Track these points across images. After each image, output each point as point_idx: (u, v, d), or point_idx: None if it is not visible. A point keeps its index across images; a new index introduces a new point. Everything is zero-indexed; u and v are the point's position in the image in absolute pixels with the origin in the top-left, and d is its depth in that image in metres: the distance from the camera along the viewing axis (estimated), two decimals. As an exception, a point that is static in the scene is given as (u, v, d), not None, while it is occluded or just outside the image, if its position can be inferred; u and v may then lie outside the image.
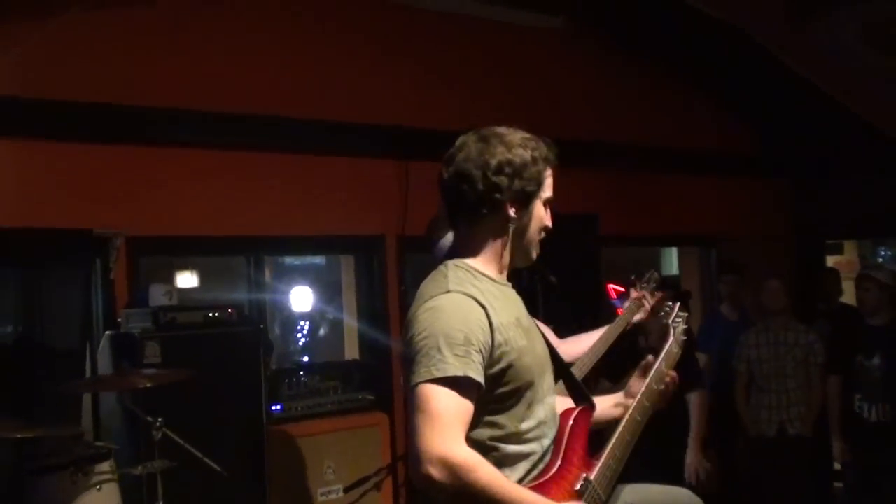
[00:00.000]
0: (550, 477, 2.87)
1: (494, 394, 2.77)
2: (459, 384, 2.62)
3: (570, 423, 3.01)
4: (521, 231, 2.95)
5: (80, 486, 4.83)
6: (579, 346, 5.12)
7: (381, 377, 7.50)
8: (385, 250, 7.70)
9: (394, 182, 7.65)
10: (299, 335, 9.03)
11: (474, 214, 2.91)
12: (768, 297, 7.61)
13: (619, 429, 3.17)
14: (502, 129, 2.99)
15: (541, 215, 2.97)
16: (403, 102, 7.65)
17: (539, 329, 3.11)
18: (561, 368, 3.22)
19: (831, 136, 9.67)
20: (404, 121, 7.60)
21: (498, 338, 2.75)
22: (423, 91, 7.78)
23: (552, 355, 3.12)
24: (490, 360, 2.73)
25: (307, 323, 9.01)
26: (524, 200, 2.90)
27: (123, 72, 6.44)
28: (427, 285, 2.87)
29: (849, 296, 8.75)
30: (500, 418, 2.81)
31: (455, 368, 2.62)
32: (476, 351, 2.67)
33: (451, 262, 2.91)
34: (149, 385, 5.05)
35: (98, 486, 4.89)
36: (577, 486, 2.88)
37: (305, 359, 8.08)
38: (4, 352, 6.07)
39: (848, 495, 7.55)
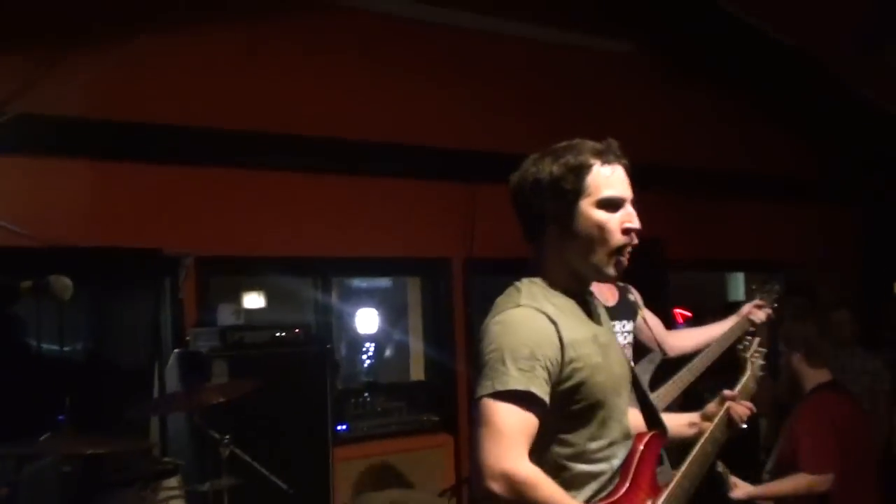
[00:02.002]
0: (617, 499, 2.85)
1: (565, 411, 2.73)
2: (522, 399, 2.59)
3: (642, 447, 2.97)
4: (578, 243, 2.83)
5: (148, 502, 4.88)
6: (686, 341, 5.08)
7: (446, 399, 7.52)
8: (451, 273, 7.71)
9: (461, 205, 7.66)
10: (364, 356, 9.04)
11: (529, 233, 2.92)
12: (837, 328, 7.50)
13: (689, 459, 3.12)
14: (555, 146, 2.93)
15: (595, 221, 2.81)
16: (472, 126, 7.67)
17: (620, 347, 3.07)
18: (638, 390, 3.19)
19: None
20: (472, 144, 7.62)
21: (569, 354, 2.71)
22: (492, 115, 7.79)
23: (633, 376, 3.10)
24: (559, 376, 2.70)
25: (372, 344, 9.02)
26: (564, 214, 2.82)
27: (196, 94, 6.53)
28: (501, 299, 2.84)
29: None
30: (570, 436, 2.77)
31: (518, 382, 2.59)
32: (542, 367, 2.64)
33: (525, 279, 2.88)
34: (217, 401, 5.08)
35: (166, 502, 4.93)
36: None
37: (370, 380, 8.08)
38: (75, 368, 6.14)
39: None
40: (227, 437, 5.10)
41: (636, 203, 2.87)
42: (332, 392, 6.35)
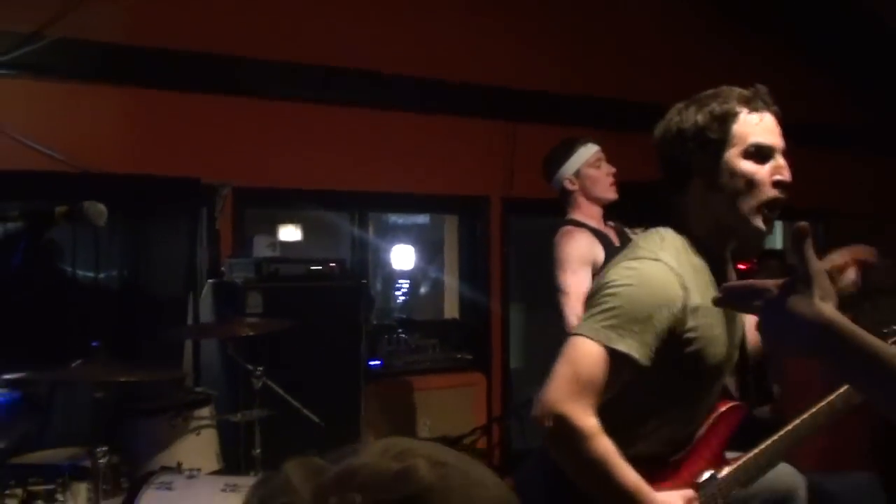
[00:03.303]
0: (670, 464, 2.80)
1: (667, 375, 2.66)
2: (618, 358, 2.53)
3: (714, 416, 2.91)
4: (724, 196, 2.71)
5: (179, 430, 4.89)
6: None
7: (480, 338, 7.51)
8: (489, 211, 7.66)
9: (501, 143, 7.59)
10: (399, 293, 9.03)
11: (673, 185, 2.81)
12: (879, 275, 7.38)
13: (773, 438, 2.99)
14: (700, 94, 2.80)
15: (742, 172, 2.67)
16: (513, 64, 7.58)
17: (742, 319, 2.96)
18: (742, 357, 3.10)
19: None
20: (513, 82, 7.53)
21: (690, 322, 2.63)
22: (534, 53, 7.69)
23: (742, 348, 3.00)
24: (675, 340, 2.62)
25: (407, 281, 9.01)
26: (709, 165, 2.70)
27: (238, 24, 6.47)
28: (643, 242, 2.76)
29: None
30: (656, 407, 2.75)
31: (623, 343, 2.53)
32: (654, 332, 2.56)
33: (671, 229, 2.78)
34: (251, 333, 5.07)
35: (197, 431, 4.94)
36: (700, 479, 2.79)
37: (404, 316, 8.07)
38: (112, 295, 6.15)
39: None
40: (260, 368, 5.08)
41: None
42: (366, 327, 6.35)
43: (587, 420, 2.51)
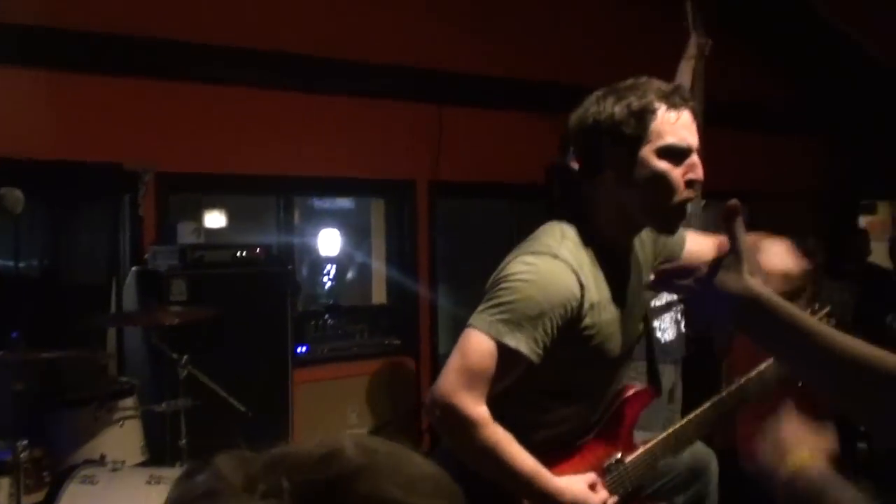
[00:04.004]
0: (575, 448, 2.81)
1: (560, 369, 2.67)
2: (508, 352, 2.53)
3: (620, 400, 2.92)
4: (635, 192, 2.66)
5: (103, 422, 4.82)
6: None
7: (408, 322, 7.49)
8: (416, 195, 7.62)
9: (427, 126, 7.54)
10: (325, 278, 8.98)
11: (584, 173, 2.76)
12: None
13: (683, 421, 3.01)
14: (619, 84, 2.72)
15: (656, 170, 2.62)
16: (439, 46, 7.53)
17: (643, 303, 2.96)
18: (648, 344, 3.11)
19: (869, 93, 9.48)
20: (439, 64, 7.48)
21: (587, 319, 2.64)
22: (459, 34, 7.65)
23: (648, 334, 3.02)
24: (569, 336, 2.62)
25: (334, 266, 8.97)
26: (623, 160, 2.65)
27: (158, 5, 6.36)
28: (544, 233, 2.74)
29: (877, 257, 8.63)
30: (548, 400, 2.78)
31: (513, 339, 2.53)
32: (546, 328, 2.56)
33: (568, 224, 2.74)
34: (175, 322, 5.00)
35: (121, 423, 4.88)
36: (606, 464, 2.80)
37: (332, 302, 8.04)
38: (32, 285, 6.03)
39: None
40: (185, 357, 5.02)
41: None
42: (292, 313, 6.29)
43: (476, 409, 2.53)
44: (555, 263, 2.61)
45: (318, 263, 9.04)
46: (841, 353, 1.60)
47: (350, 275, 8.95)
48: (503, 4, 7.94)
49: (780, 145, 9.95)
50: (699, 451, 3.28)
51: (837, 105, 9.90)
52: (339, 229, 8.83)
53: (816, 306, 3.20)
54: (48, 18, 5.94)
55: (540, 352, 2.56)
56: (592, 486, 2.71)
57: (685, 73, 4.97)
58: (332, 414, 6.59)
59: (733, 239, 1.79)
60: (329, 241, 8.66)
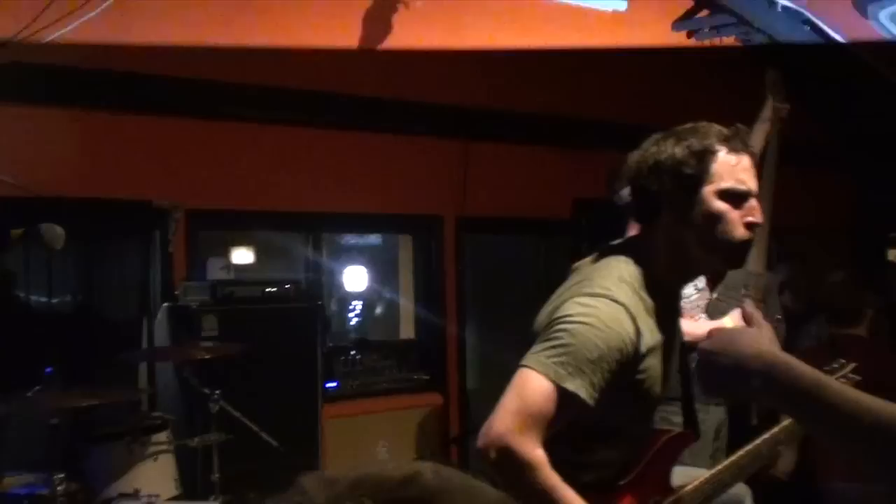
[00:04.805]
0: (616, 488, 2.80)
1: (612, 410, 2.65)
2: (566, 396, 2.52)
3: (659, 444, 2.91)
4: (695, 233, 2.70)
5: (137, 456, 4.85)
6: None
7: (436, 358, 7.51)
8: (443, 231, 7.66)
9: (454, 162, 7.59)
10: (352, 315, 9.00)
11: (643, 216, 2.81)
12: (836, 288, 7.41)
13: (718, 468, 3.00)
14: (678, 128, 2.77)
15: (716, 211, 2.66)
16: (465, 82, 7.57)
17: (680, 347, 2.99)
18: (686, 389, 3.11)
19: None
20: (466, 100, 7.53)
21: (642, 364, 2.66)
22: (486, 71, 7.68)
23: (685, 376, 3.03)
24: (620, 381, 2.62)
25: (360, 302, 8.99)
26: (683, 201, 2.69)
27: (190, 46, 6.43)
28: (599, 272, 2.74)
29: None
30: (605, 433, 2.76)
31: (572, 383, 2.52)
32: (604, 372, 2.56)
33: (627, 262, 2.76)
34: (206, 357, 5.04)
35: (154, 457, 4.90)
36: None
37: (360, 337, 8.05)
38: (65, 320, 6.09)
39: None
40: (217, 392, 5.05)
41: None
42: (321, 349, 6.32)
43: (534, 452, 2.51)
44: (613, 307, 2.61)
45: (344, 299, 9.06)
46: (869, 423, 1.57)
47: (378, 310, 8.96)
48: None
49: (809, 180, 9.94)
50: (733, 489, 3.28)
51: (865, 138, 9.89)
52: (367, 265, 8.85)
53: (842, 361, 3.17)
54: (80, 59, 6.01)
55: (597, 396, 2.55)
56: None
57: (758, 136, 5.01)
58: (362, 448, 6.60)
59: (744, 310, 1.82)
60: (355, 278, 8.68)
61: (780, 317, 4.85)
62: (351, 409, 6.74)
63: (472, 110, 7.56)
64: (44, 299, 6.03)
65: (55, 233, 3.14)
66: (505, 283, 8.19)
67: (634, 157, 2.79)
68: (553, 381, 2.52)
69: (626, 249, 2.81)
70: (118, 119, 6.26)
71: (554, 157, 7.89)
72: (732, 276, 4.70)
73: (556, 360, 2.54)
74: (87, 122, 6.17)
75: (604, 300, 2.62)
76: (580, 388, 2.52)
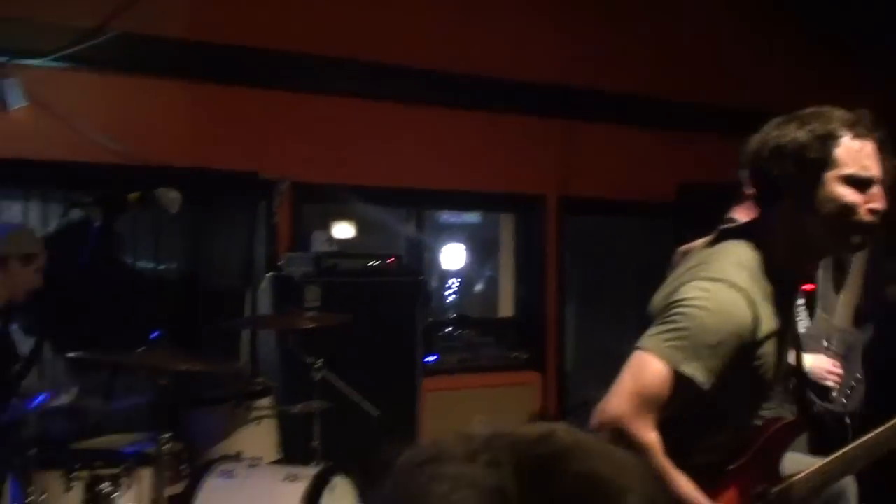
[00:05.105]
0: (726, 473, 2.78)
1: (727, 394, 2.64)
2: (682, 379, 2.53)
3: (770, 432, 2.89)
4: (816, 219, 2.66)
5: (240, 420, 4.93)
6: None
7: (535, 337, 7.50)
8: (545, 210, 7.65)
9: (558, 142, 7.57)
10: (449, 292, 9.03)
11: (762, 200, 2.77)
12: None
13: (829, 458, 2.95)
14: (801, 111, 2.72)
15: (838, 197, 2.62)
16: (570, 62, 7.55)
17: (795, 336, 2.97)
18: (800, 377, 3.07)
19: None
20: (572, 81, 7.51)
21: (758, 351, 2.64)
22: (590, 50, 7.66)
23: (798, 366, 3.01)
24: (736, 366, 2.60)
25: (458, 280, 9.01)
26: (804, 185, 2.64)
27: (298, 19, 6.50)
28: (717, 256, 2.73)
29: None
30: (717, 418, 2.75)
31: (689, 367, 2.53)
32: (720, 359, 2.55)
33: (746, 247, 2.74)
34: (310, 326, 5.10)
35: (257, 421, 4.97)
36: (755, 491, 2.78)
37: (461, 314, 8.07)
38: (169, 288, 6.21)
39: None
40: (320, 361, 5.11)
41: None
42: (422, 323, 6.36)
43: (647, 435, 2.52)
44: (732, 293, 2.59)
45: (442, 276, 9.09)
46: None
47: (477, 287, 8.98)
48: (636, 21, 7.92)
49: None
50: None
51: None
52: (465, 243, 8.87)
53: None
54: (191, 31, 6.12)
55: (713, 380, 2.55)
56: None
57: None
58: (459, 423, 6.58)
59: None
60: (453, 256, 8.70)
61: (860, 376, 4.73)
62: (448, 383, 6.78)
63: (577, 90, 7.53)
64: (151, 266, 6.15)
65: (171, 196, 3.20)
66: (605, 265, 8.15)
67: (755, 140, 2.74)
68: (669, 365, 2.52)
69: (745, 234, 2.78)
70: (228, 91, 6.36)
71: (658, 139, 7.83)
72: (818, 326, 4.61)
73: (673, 343, 2.54)
74: (197, 93, 6.27)
75: (723, 285, 2.61)
76: (696, 371, 2.52)
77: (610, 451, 0.97)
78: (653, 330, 2.61)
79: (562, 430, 0.97)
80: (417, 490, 0.92)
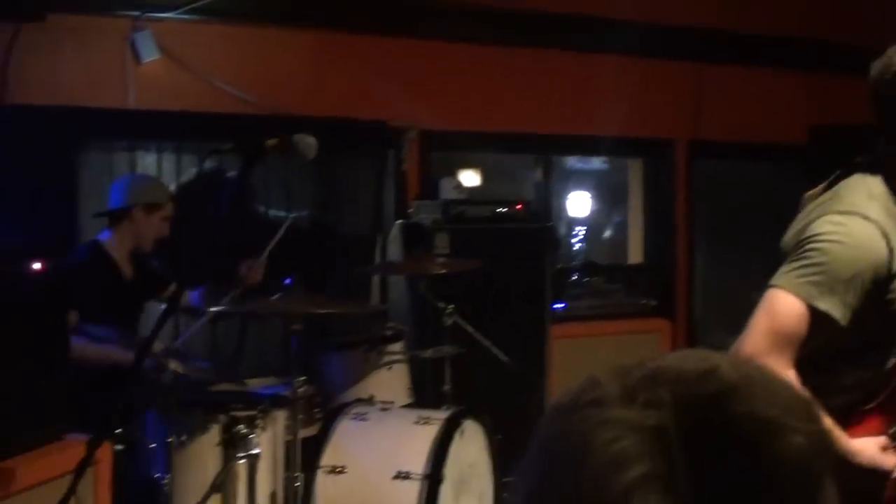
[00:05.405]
0: (863, 412, 2.72)
1: (863, 330, 2.55)
2: (818, 316, 2.47)
3: None
4: None
5: (372, 364, 5.01)
6: None
7: (665, 283, 7.45)
8: (675, 155, 7.55)
9: (687, 86, 7.45)
10: (575, 240, 9.00)
11: (885, 127, 2.66)
12: None
13: None
14: None
15: None
16: (702, 3, 7.40)
17: None
18: None
19: None
20: (701, 22, 7.35)
21: (892, 284, 2.55)
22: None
23: None
24: (872, 300, 2.52)
25: (584, 228, 8.97)
26: None
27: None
28: (848, 189, 2.64)
29: None
30: (854, 355, 2.66)
31: (824, 302, 2.47)
32: (856, 294, 2.49)
33: (875, 178, 2.64)
34: (441, 272, 5.13)
35: (389, 366, 5.05)
36: (890, 431, 2.72)
37: (589, 261, 8.04)
38: (301, 235, 6.29)
39: None
40: (451, 306, 5.14)
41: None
42: (551, 270, 6.35)
43: (785, 374, 2.43)
44: (865, 225, 2.52)
45: (568, 224, 9.06)
46: None
47: (607, 234, 8.93)
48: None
49: None
50: None
51: None
52: (591, 190, 8.82)
53: None
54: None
55: (850, 315, 2.49)
56: (884, 450, 2.64)
57: None
58: (587, 370, 6.58)
59: None
60: (579, 203, 8.66)
61: None
62: (577, 330, 6.76)
63: (706, 32, 7.37)
64: (282, 214, 6.24)
65: (308, 142, 3.24)
66: (735, 209, 8.01)
67: (876, 67, 2.63)
68: (805, 301, 2.47)
69: (873, 165, 2.68)
70: (356, 40, 6.39)
71: (790, 81, 7.66)
72: None
73: (807, 279, 2.49)
74: (326, 42, 6.32)
75: (856, 217, 2.53)
76: (833, 307, 2.47)
77: (775, 389, 0.93)
78: (786, 267, 2.55)
79: (725, 366, 0.93)
80: (577, 436, 0.89)
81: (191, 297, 5.20)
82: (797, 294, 2.48)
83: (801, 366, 2.51)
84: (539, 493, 0.90)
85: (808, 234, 2.57)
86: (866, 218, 2.53)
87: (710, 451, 0.85)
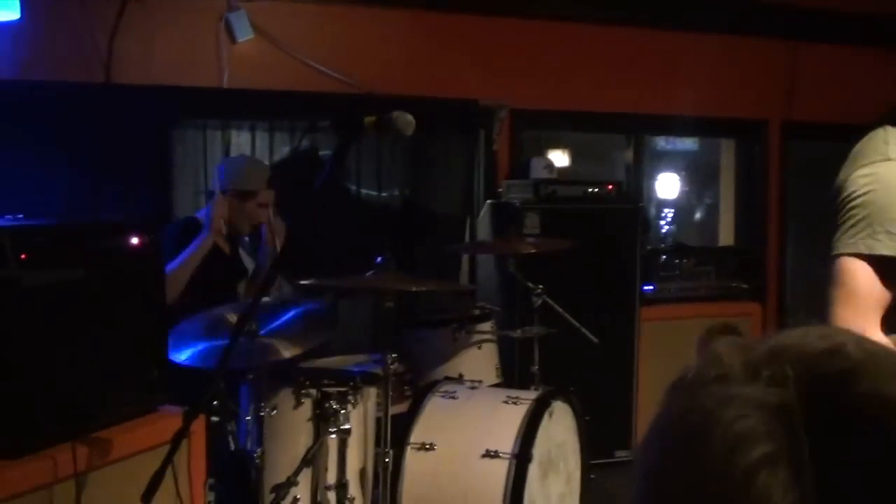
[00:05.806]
0: None
1: None
2: (885, 263, 2.46)
3: None
4: None
5: (462, 343, 5.03)
6: None
7: (756, 266, 7.37)
8: (768, 136, 7.45)
9: (781, 65, 7.34)
10: (663, 222, 8.94)
11: None
12: None
13: None
14: None
15: None
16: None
17: None
18: None
19: None
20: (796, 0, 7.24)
21: None
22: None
23: None
24: None
25: (672, 210, 8.90)
26: None
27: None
28: (864, 147, 2.65)
29: None
30: None
31: (884, 247, 2.45)
32: None
33: (890, 127, 2.64)
34: (531, 252, 5.14)
35: (478, 345, 5.07)
36: None
37: (680, 242, 7.97)
38: (392, 214, 6.34)
39: None
40: (540, 287, 5.15)
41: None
42: (641, 251, 6.32)
43: (876, 336, 2.43)
44: (891, 165, 2.53)
45: (657, 205, 9.01)
46: None
47: (696, 216, 8.86)
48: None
49: None
50: None
51: None
52: (681, 171, 8.75)
53: None
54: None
55: None
56: None
57: None
58: (676, 353, 6.56)
59: None
60: (668, 185, 8.60)
61: None
62: (666, 312, 6.70)
63: (801, 9, 7.24)
64: (374, 193, 6.29)
65: (406, 119, 3.25)
66: (828, 193, 7.88)
67: None
68: (865, 256, 2.46)
69: (888, 118, 2.67)
70: (448, 19, 6.40)
71: (887, 59, 7.50)
72: None
73: (860, 234, 2.48)
74: (418, 21, 6.33)
75: (879, 163, 2.54)
76: (893, 249, 2.46)
77: None
78: (837, 234, 2.54)
79: (851, 344, 0.90)
80: (700, 414, 0.87)
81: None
82: (856, 252, 2.48)
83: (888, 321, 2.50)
84: (660, 471, 0.89)
85: (842, 196, 2.56)
86: (888, 159, 2.54)
87: (835, 430, 0.83)
